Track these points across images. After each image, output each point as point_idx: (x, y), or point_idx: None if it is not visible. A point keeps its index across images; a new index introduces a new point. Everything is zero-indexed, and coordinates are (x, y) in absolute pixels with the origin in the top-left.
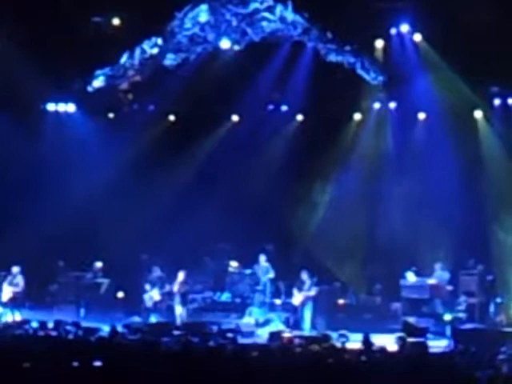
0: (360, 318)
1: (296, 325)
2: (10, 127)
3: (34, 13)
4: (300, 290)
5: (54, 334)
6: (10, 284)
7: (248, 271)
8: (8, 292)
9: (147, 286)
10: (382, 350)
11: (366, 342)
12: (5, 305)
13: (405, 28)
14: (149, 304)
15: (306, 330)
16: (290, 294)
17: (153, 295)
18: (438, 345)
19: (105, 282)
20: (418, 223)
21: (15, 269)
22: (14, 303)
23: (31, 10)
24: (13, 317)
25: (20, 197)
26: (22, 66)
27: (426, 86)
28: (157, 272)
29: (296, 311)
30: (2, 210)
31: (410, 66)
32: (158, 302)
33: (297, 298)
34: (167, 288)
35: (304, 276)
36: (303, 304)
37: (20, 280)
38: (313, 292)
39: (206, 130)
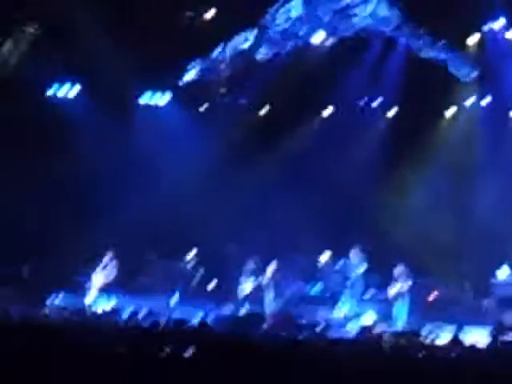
0: (451, 314)
1: (387, 319)
2: (105, 119)
3: (129, 7)
4: (394, 283)
5: (144, 323)
6: (104, 270)
7: (340, 264)
8: (101, 278)
9: (242, 278)
10: (472, 346)
11: (456, 338)
12: (99, 291)
13: (500, 23)
14: (240, 295)
15: (400, 324)
16: (381, 288)
17: (245, 287)
18: None
19: (198, 272)
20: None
21: (108, 255)
22: (108, 290)
23: (125, 5)
24: (107, 303)
25: (114, 188)
26: (116, 59)
27: None
28: (251, 264)
29: (388, 305)
30: (98, 200)
31: (503, 63)
32: (250, 294)
33: (391, 292)
34: (259, 280)
35: (398, 270)
36: (396, 298)
37: (113, 267)
38: (406, 286)
39: (296, 124)
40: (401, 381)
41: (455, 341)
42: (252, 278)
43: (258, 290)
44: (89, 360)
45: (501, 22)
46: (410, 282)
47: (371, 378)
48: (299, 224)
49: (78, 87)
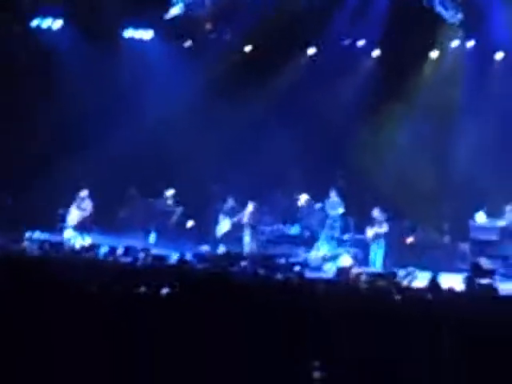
0: (428, 257)
1: (364, 261)
2: (88, 51)
3: None
4: (371, 226)
5: (123, 259)
6: (78, 207)
7: (318, 205)
8: (76, 216)
9: (220, 217)
10: (449, 289)
11: (433, 281)
12: (74, 228)
13: None
14: (218, 234)
15: (377, 266)
16: (359, 230)
17: (224, 225)
18: (506, 287)
19: (177, 210)
20: (490, 165)
21: (83, 192)
22: (83, 227)
23: None
24: (82, 241)
25: (95, 121)
26: None
27: (506, 25)
28: (231, 202)
29: (365, 247)
30: (77, 133)
31: (490, 4)
32: (228, 233)
33: (368, 234)
34: (237, 219)
35: (376, 213)
36: (373, 240)
37: (88, 204)
38: (384, 229)
39: (281, 62)
40: (377, 321)
41: (432, 284)
42: (230, 218)
43: (237, 230)
44: (66, 296)
45: None
46: (385, 226)
47: (348, 318)
48: (282, 163)
49: (60, 21)
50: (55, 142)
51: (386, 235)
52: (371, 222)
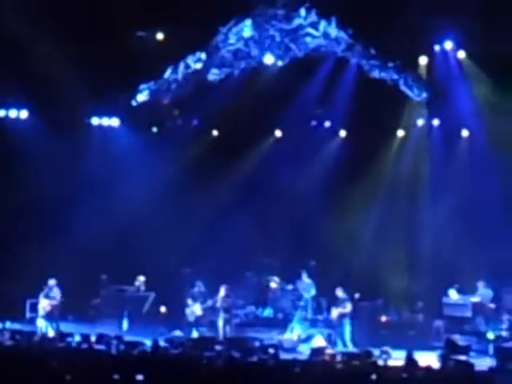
0: (402, 335)
1: (338, 340)
2: (54, 140)
3: (80, 27)
4: (336, 306)
5: (96, 347)
6: (47, 297)
7: (290, 287)
8: (45, 305)
9: (189, 301)
10: (425, 367)
11: (409, 359)
12: (44, 318)
13: (449, 45)
14: (191, 319)
15: (342, 346)
16: (330, 310)
17: (195, 310)
18: (480, 363)
19: (149, 296)
20: (461, 241)
21: (51, 281)
22: (52, 316)
23: (77, 25)
24: (53, 330)
25: (63, 210)
26: (66, 80)
27: (470, 103)
28: (200, 287)
29: (339, 326)
30: (45, 222)
31: (453, 83)
32: (201, 317)
33: (333, 314)
34: (209, 303)
35: (339, 292)
36: (339, 320)
37: (57, 293)
38: (348, 308)
39: (249, 145)
40: None
41: (408, 361)
42: (199, 302)
43: (209, 314)
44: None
45: (450, 44)
46: (349, 305)
47: None
48: (252, 245)
49: (26, 112)
50: (21, 232)
51: (356, 314)
52: (335, 302)
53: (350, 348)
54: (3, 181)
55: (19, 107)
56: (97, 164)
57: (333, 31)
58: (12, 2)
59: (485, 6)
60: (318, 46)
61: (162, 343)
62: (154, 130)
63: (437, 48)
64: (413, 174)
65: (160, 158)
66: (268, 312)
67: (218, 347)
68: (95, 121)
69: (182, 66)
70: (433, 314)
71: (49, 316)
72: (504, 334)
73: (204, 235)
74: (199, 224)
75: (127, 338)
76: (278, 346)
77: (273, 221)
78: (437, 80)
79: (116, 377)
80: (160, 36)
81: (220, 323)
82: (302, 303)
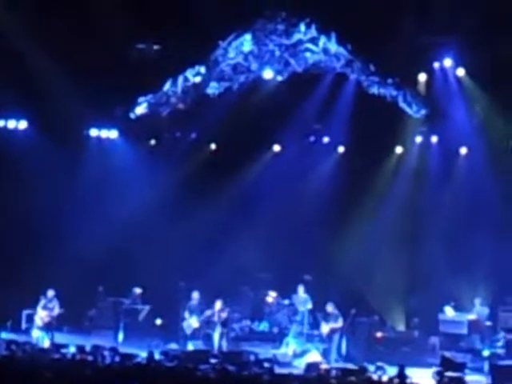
0: (398, 352)
1: (333, 355)
2: (53, 152)
3: (79, 39)
4: (327, 321)
5: (91, 358)
6: (45, 308)
7: (286, 301)
8: (43, 316)
9: (186, 314)
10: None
11: (401, 375)
12: (40, 329)
13: (448, 62)
14: (187, 331)
15: (333, 361)
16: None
17: (191, 323)
18: (475, 380)
19: (144, 308)
20: (458, 258)
21: (50, 292)
22: (49, 327)
23: (76, 36)
24: (49, 341)
25: (61, 221)
26: (65, 91)
27: (469, 120)
28: (196, 300)
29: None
30: (42, 233)
31: (452, 100)
32: (197, 330)
33: (323, 330)
34: (208, 313)
35: (330, 308)
36: (330, 335)
37: (55, 304)
38: (339, 323)
39: (247, 159)
40: None
41: (402, 377)
42: (196, 315)
43: (205, 327)
44: None
45: (449, 61)
46: (341, 320)
47: None
48: (248, 259)
49: (24, 122)
50: (17, 243)
51: (354, 330)
52: (325, 317)
53: (334, 363)
54: (1, 191)
55: (18, 118)
56: (95, 175)
57: (332, 47)
58: (11, 14)
59: (484, 24)
60: (317, 61)
61: (157, 356)
62: (152, 142)
63: (436, 65)
64: (411, 190)
65: (158, 171)
66: (264, 326)
67: (212, 360)
68: (94, 132)
69: (181, 80)
70: (429, 330)
71: (46, 327)
72: (499, 351)
73: (201, 249)
74: (196, 237)
75: (122, 349)
76: (273, 361)
77: (269, 235)
78: (436, 97)
79: None
80: (159, 49)
81: (216, 336)
82: (297, 318)
